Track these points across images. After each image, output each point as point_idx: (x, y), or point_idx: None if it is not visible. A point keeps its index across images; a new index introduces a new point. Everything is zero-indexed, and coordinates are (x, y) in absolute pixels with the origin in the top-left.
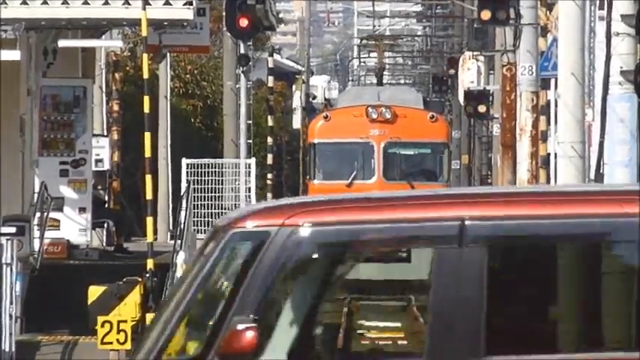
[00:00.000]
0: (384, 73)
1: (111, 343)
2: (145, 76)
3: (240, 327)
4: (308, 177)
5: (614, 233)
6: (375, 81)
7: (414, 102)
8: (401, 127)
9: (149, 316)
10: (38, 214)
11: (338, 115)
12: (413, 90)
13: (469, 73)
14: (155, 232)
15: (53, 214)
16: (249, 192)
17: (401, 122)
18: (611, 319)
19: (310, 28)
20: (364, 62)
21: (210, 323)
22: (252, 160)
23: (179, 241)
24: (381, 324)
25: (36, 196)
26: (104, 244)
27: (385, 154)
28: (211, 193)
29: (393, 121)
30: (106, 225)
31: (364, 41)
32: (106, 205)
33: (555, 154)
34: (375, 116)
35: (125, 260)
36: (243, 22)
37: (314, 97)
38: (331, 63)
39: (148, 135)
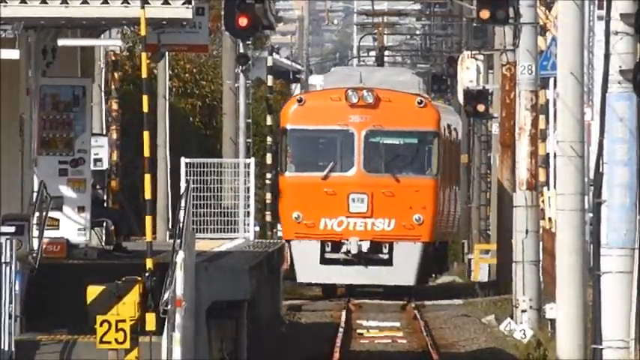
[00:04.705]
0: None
1: (109, 342)
2: (144, 75)
3: None
4: (279, 168)
5: None
6: None
7: (409, 85)
8: (384, 113)
9: (148, 316)
10: (37, 214)
11: (314, 99)
12: (409, 71)
13: (468, 73)
14: (154, 231)
15: (52, 214)
16: (249, 192)
17: (385, 107)
18: None
19: (309, 27)
20: (364, 61)
21: None
22: (252, 160)
23: (178, 241)
24: None
25: (35, 195)
26: (103, 244)
27: (366, 144)
28: (210, 192)
29: (376, 105)
30: (105, 224)
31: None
32: (105, 205)
33: (554, 154)
34: (355, 100)
35: (124, 259)
36: (243, 21)
37: None
38: (330, 62)
39: (146, 134)
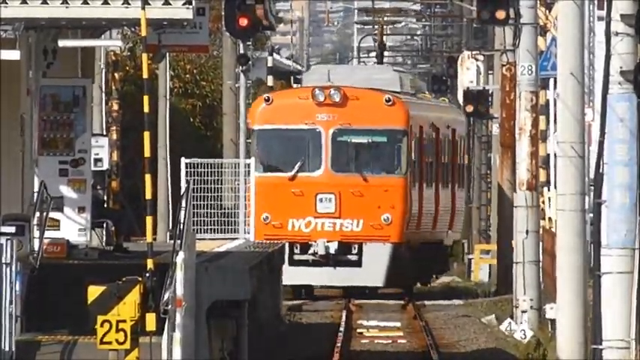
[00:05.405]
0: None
1: (110, 342)
2: (145, 75)
3: None
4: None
5: None
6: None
7: (389, 83)
8: (352, 112)
9: (149, 316)
10: (38, 214)
11: (281, 98)
12: (389, 69)
13: (468, 73)
14: (154, 231)
15: (53, 214)
16: (249, 192)
17: (352, 106)
18: None
19: (310, 28)
20: (364, 62)
21: None
22: (252, 160)
23: (179, 241)
24: None
25: (35, 195)
26: (103, 244)
27: (334, 143)
28: (211, 192)
29: (343, 104)
30: (105, 225)
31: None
32: (106, 205)
33: (555, 154)
34: (322, 99)
35: (125, 260)
36: (243, 22)
37: None
38: (330, 63)
39: (147, 134)
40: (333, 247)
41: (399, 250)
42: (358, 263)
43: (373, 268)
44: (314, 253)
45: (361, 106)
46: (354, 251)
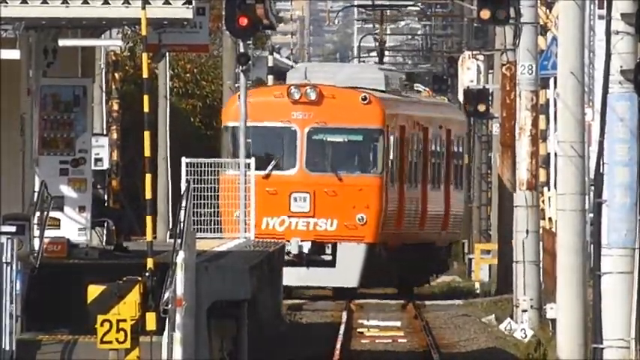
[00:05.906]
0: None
1: (110, 342)
2: (145, 75)
3: None
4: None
5: None
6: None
7: (374, 82)
8: (328, 110)
9: (149, 316)
10: (38, 213)
11: (256, 96)
12: (375, 67)
13: (469, 73)
14: (154, 231)
15: (53, 213)
16: (249, 191)
17: (328, 104)
18: None
19: (310, 28)
20: (364, 61)
21: None
22: (252, 160)
23: (179, 241)
24: None
25: (36, 195)
26: (104, 243)
27: (309, 141)
28: (211, 192)
29: (319, 102)
30: (105, 224)
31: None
32: (106, 204)
33: (555, 154)
34: (297, 97)
35: (125, 259)
36: (243, 21)
37: None
38: (331, 62)
39: (147, 134)
40: (306, 246)
41: (375, 250)
42: (332, 263)
43: (347, 268)
44: (287, 253)
45: (337, 104)
46: (328, 251)
